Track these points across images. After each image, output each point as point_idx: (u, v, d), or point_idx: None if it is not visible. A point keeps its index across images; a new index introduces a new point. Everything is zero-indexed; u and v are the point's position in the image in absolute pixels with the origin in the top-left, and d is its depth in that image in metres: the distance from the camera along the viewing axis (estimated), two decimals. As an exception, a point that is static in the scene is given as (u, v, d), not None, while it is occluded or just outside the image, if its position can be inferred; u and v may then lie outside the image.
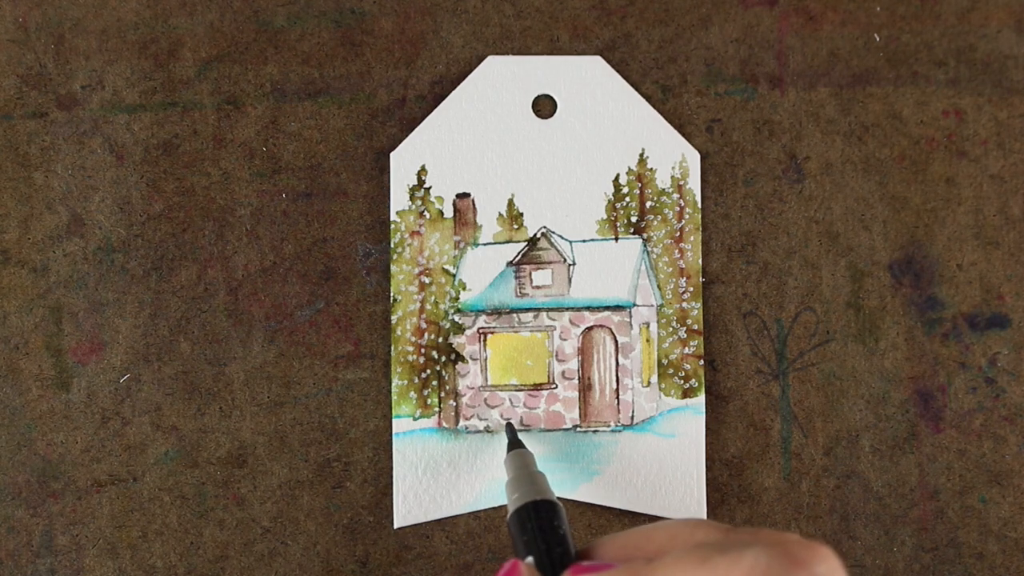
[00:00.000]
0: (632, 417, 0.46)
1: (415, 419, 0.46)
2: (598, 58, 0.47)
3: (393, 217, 0.46)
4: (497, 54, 0.47)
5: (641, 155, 0.47)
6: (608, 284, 0.47)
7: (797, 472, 0.46)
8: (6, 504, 0.45)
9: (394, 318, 0.46)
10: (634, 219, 0.47)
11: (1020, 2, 0.48)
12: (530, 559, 0.26)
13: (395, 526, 0.45)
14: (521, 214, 0.47)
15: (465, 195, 0.47)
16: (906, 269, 0.47)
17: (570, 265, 0.46)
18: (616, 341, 0.46)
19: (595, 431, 0.46)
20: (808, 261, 0.47)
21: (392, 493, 0.45)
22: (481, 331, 0.46)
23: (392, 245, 0.46)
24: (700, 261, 0.47)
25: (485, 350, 0.46)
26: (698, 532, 0.25)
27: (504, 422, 0.45)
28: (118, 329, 0.46)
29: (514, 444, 0.29)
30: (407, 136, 0.46)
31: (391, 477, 0.45)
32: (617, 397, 0.46)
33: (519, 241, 0.47)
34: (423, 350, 0.46)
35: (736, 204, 0.47)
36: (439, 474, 0.45)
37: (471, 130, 0.47)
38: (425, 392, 0.46)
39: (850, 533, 0.46)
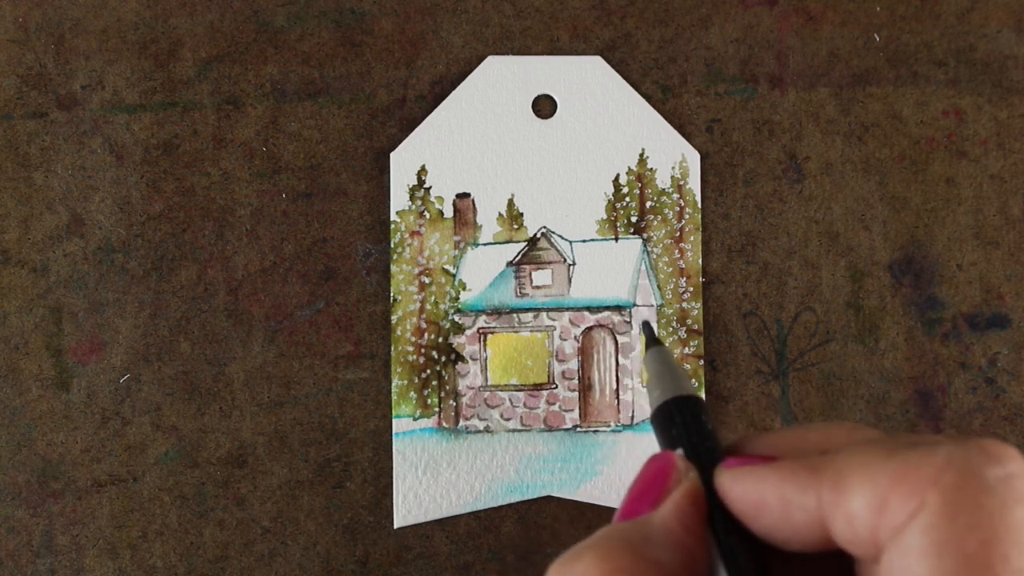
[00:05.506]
0: (632, 417, 0.46)
1: (415, 419, 0.46)
2: (598, 58, 0.47)
3: (393, 217, 0.46)
4: (497, 54, 0.47)
5: (641, 155, 0.47)
6: (608, 284, 0.47)
7: (797, 472, 0.46)
8: (6, 504, 0.45)
9: (394, 318, 0.46)
10: (634, 219, 0.47)
11: (1020, 2, 0.48)
12: (680, 451, 0.25)
13: (395, 526, 0.45)
14: (521, 214, 0.47)
15: (465, 195, 0.47)
16: (906, 269, 0.47)
17: (570, 265, 0.46)
18: (616, 341, 0.46)
19: (595, 431, 0.46)
20: (808, 261, 0.47)
21: (392, 493, 0.45)
22: (481, 331, 0.46)
23: (392, 245, 0.46)
24: (700, 261, 0.47)
25: (485, 350, 0.46)
26: (857, 432, 0.24)
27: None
28: (118, 329, 0.45)
29: (652, 341, 0.28)
30: (407, 136, 0.46)
31: (391, 477, 0.45)
32: (617, 397, 0.46)
33: (519, 241, 0.47)
34: (423, 350, 0.46)
35: (736, 204, 0.47)
36: (439, 474, 0.45)
37: (471, 130, 0.47)
38: (425, 392, 0.46)
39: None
